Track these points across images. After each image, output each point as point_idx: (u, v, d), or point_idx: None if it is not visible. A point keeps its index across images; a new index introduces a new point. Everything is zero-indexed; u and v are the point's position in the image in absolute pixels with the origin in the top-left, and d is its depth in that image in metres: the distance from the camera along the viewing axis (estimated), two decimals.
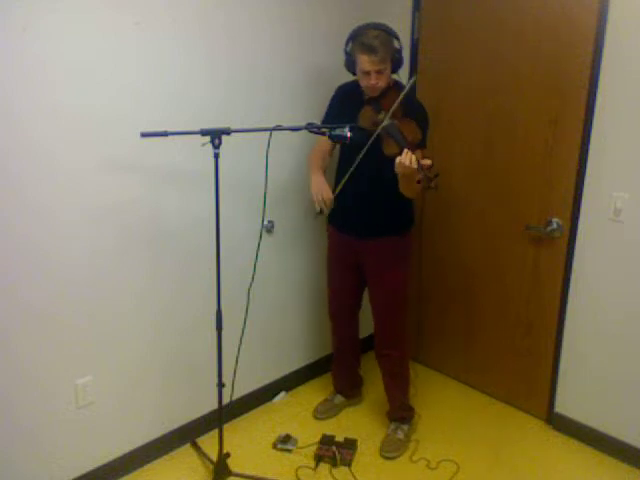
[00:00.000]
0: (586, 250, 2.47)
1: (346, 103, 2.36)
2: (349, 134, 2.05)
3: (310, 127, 2.22)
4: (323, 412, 2.75)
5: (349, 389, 2.83)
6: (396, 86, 2.30)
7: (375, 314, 2.54)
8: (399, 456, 2.50)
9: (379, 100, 2.23)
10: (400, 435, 2.56)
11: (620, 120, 2.27)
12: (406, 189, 2.20)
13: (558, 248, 2.55)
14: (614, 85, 2.26)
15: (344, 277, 2.58)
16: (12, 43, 1.76)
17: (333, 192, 2.32)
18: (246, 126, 2.27)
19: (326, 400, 2.82)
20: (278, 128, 2.08)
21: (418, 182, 2.01)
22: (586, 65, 2.32)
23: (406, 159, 1.98)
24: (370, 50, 2.10)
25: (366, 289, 2.58)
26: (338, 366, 2.81)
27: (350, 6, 2.76)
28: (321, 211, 2.34)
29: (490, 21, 2.61)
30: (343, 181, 2.27)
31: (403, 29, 2.92)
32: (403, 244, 2.47)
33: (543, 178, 2.55)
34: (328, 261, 2.64)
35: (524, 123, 2.57)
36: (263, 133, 2.13)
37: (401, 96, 2.14)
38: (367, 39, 2.11)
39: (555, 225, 2.53)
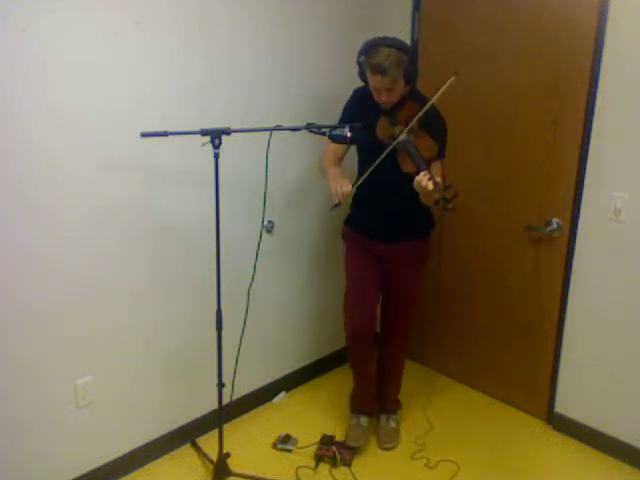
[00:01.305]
0: (586, 250, 2.47)
1: (360, 108, 2.31)
2: (349, 134, 2.04)
3: (310, 127, 2.21)
4: (358, 439, 2.52)
5: (374, 405, 2.65)
6: (412, 96, 2.23)
7: (391, 316, 2.53)
8: (397, 445, 2.55)
9: (395, 111, 2.17)
10: (393, 425, 2.63)
11: (620, 120, 2.27)
12: (427, 202, 2.17)
13: (558, 248, 2.55)
14: (614, 85, 2.26)
15: (367, 274, 2.44)
16: (12, 43, 1.76)
17: (352, 185, 2.20)
18: (246, 126, 2.27)
19: (351, 427, 2.58)
20: (278, 128, 2.08)
21: (436, 203, 1.96)
22: (586, 65, 2.32)
23: (423, 181, 1.93)
24: (380, 71, 2.04)
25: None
26: (361, 386, 2.59)
27: (351, 6, 2.76)
28: (339, 203, 2.24)
29: (490, 21, 2.61)
30: (365, 175, 2.17)
31: (403, 29, 2.92)
32: (424, 247, 2.47)
33: (543, 178, 2.55)
34: (348, 266, 2.48)
35: (524, 123, 2.57)
36: (263, 133, 2.12)
37: (419, 114, 2.07)
38: (377, 59, 2.03)
39: (555, 225, 2.53)
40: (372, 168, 2.13)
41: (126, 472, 2.34)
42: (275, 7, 2.44)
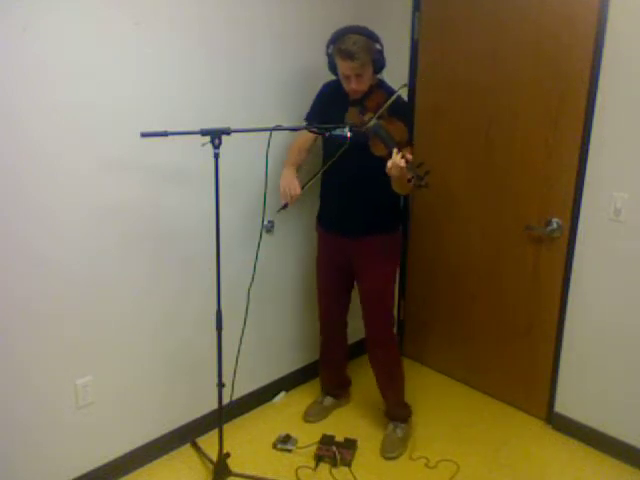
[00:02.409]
0: (586, 250, 2.46)
1: (331, 101, 2.37)
2: (349, 134, 2.05)
3: (310, 127, 2.22)
4: (314, 414, 2.74)
5: (337, 389, 2.83)
6: (380, 86, 2.30)
7: (366, 312, 2.52)
8: (400, 455, 2.50)
9: (363, 101, 2.22)
10: (399, 434, 2.57)
11: (620, 120, 2.27)
12: (399, 188, 2.21)
13: (558, 248, 2.55)
14: (614, 85, 2.26)
15: (333, 277, 2.57)
16: (12, 43, 1.76)
17: (302, 187, 2.31)
18: (246, 126, 2.27)
19: (315, 402, 2.81)
20: (278, 128, 2.08)
21: (409, 181, 2.00)
22: (586, 65, 2.32)
23: (396, 159, 1.97)
24: (348, 56, 2.11)
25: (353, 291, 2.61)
26: (327, 367, 2.81)
27: (350, 6, 2.76)
28: (285, 205, 2.34)
29: (490, 21, 2.61)
30: (312, 178, 2.28)
31: (403, 29, 2.93)
32: (393, 242, 2.48)
33: (543, 178, 2.55)
34: (317, 261, 2.62)
35: (524, 123, 2.57)
36: (263, 133, 2.13)
37: (389, 102, 2.14)
38: (346, 45, 2.10)
39: (555, 225, 2.53)
40: (340, 152, 2.16)
41: (126, 472, 2.34)
42: (275, 7, 2.44)
